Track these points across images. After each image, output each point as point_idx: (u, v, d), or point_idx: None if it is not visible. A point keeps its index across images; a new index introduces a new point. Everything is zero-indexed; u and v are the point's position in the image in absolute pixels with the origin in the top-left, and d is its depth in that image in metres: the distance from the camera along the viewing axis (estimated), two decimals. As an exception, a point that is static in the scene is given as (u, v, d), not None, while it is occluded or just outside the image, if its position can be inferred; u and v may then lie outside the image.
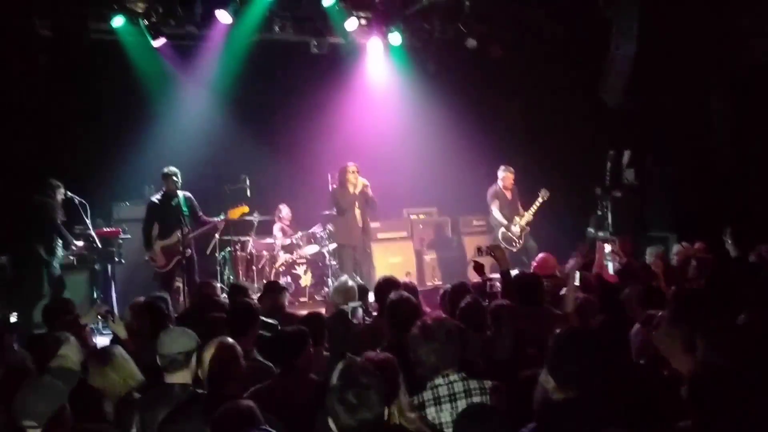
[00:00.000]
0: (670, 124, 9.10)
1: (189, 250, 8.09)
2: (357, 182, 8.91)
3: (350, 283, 5.93)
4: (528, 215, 9.64)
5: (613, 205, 9.14)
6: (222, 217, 8.52)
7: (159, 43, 8.91)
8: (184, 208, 8.08)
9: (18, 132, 8.54)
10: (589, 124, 9.70)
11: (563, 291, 5.75)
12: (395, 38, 9.94)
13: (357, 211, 9.02)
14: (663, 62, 8.26)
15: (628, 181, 9.33)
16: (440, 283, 9.79)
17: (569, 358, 2.81)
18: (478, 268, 5.68)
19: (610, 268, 8.37)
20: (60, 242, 7.91)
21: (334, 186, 9.10)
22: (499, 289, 6.31)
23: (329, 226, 9.55)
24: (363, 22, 9.62)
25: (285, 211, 9.87)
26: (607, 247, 8.46)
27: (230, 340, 3.58)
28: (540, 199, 9.54)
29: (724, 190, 8.64)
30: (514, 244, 9.54)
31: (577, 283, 5.83)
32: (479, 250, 5.57)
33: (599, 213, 9.36)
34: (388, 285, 5.25)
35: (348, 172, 8.92)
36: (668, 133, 9.21)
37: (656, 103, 8.89)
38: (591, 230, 9.43)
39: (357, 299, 5.78)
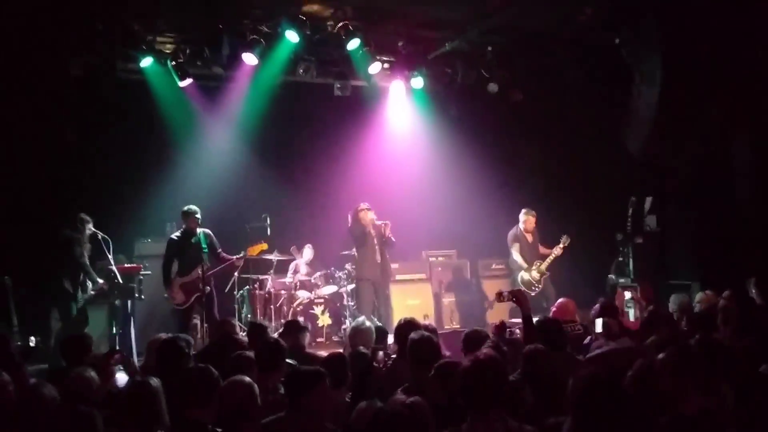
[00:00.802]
0: (693, 171, 9.06)
1: (208, 288, 8.11)
2: (370, 220, 9.05)
3: (368, 324, 5.91)
4: (548, 260, 9.61)
5: (634, 252, 9.08)
6: (241, 254, 8.57)
7: (186, 83, 9.07)
8: (204, 246, 8.12)
9: (45, 166, 8.70)
10: (610, 170, 9.69)
11: (587, 340, 5.69)
12: (417, 82, 10.06)
13: (376, 248, 9.11)
14: (686, 109, 8.26)
15: (650, 227, 9.27)
16: (458, 326, 9.71)
17: (595, 404, 2.76)
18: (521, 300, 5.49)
19: (631, 315, 8.28)
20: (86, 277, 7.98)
21: (350, 225, 9.20)
22: (517, 335, 6.25)
23: (347, 266, 9.60)
24: (386, 66, 9.75)
25: (308, 250, 9.92)
26: (628, 294, 8.38)
27: (247, 378, 3.54)
28: (561, 245, 9.55)
29: (747, 238, 8.55)
30: (533, 288, 9.49)
31: (599, 329, 5.76)
32: (500, 295, 5.50)
33: (620, 259, 9.31)
34: (409, 326, 5.21)
35: (360, 210, 9.09)
36: (691, 180, 9.16)
37: (679, 149, 8.87)
38: (612, 276, 9.36)
39: (375, 341, 5.74)
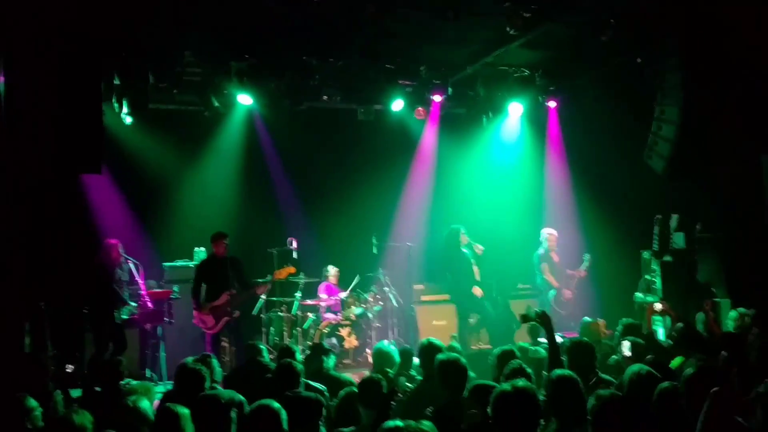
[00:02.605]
0: (720, 189, 8.99)
1: (237, 312, 8.23)
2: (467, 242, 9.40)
3: (390, 347, 5.98)
4: (575, 280, 9.83)
5: (662, 270, 9.02)
6: (269, 278, 8.71)
7: (212, 113, 9.25)
8: (232, 271, 8.26)
9: (76, 194, 8.95)
10: (636, 189, 9.66)
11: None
12: (440, 104, 10.13)
13: (475, 269, 9.37)
14: (709, 127, 8.22)
15: (677, 246, 9.19)
16: (485, 346, 9.71)
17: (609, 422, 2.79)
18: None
19: (660, 333, 8.21)
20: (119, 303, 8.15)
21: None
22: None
23: (373, 287, 9.74)
24: (408, 90, 9.85)
25: (332, 271, 10.03)
26: (658, 306, 8.33)
27: (276, 404, 3.57)
28: (585, 263, 9.74)
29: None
30: (564, 308, 9.57)
31: (627, 353, 5.72)
32: (525, 317, 5.52)
33: (648, 278, 9.25)
34: (432, 349, 5.26)
35: (460, 234, 9.39)
36: (718, 197, 9.09)
37: (703, 167, 8.82)
38: (639, 295, 9.30)
39: (400, 363, 5.79)
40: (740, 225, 8.91)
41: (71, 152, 6.26)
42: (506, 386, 3.37)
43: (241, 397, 3.99)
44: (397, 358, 5.78)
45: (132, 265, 8.36)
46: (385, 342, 6.33)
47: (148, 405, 4.09)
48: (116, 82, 8.05)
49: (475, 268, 9.40)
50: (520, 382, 3.42)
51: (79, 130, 6.25)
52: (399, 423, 3.28)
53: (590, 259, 9.82)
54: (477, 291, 9.37)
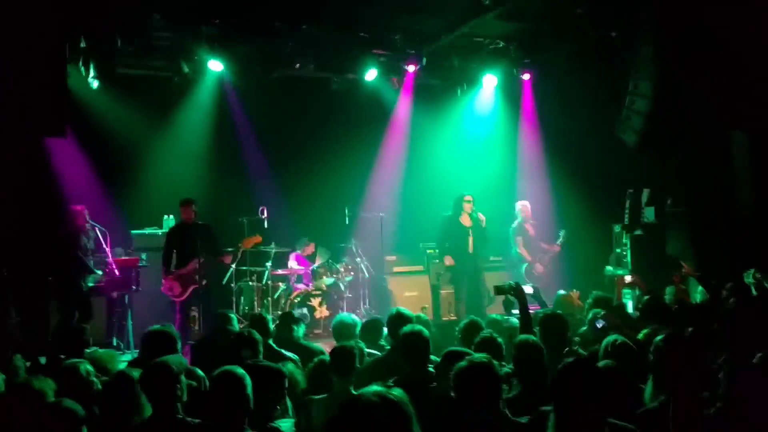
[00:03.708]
0: (690, 164, 9.06)
1: (205, 281, 8.14)
2: (470, 211, 9.07)
3: (350, 319, 5.94)
4: (549, 255, 9.92)
5: (632, 244, 9.10)
6: (239, 246, 8.63)
7: (183, 78, 9.09)
8: (202, 239, 8.14)
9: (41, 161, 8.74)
10: (607, 163, 9.71)
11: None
12: (414, 75, 10.03)
13: (470, 239, 9.08)
14: (681, 101, 8.26)
15: (648, 220, 9.27)
16: (455, 317, 9.75)
17: (572, 390, 2.79)
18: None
19: (630, 306, 8.31)
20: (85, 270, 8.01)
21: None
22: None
23: (345, 258, 9.72)
24: (383, 59, 9.73)
25: (306, 243, 9.96)
26: (628, 278, 8.44)
27: (240, 370, 3.52)
28: (560, 239, 9.89)
29: (745, 229, 8.55)
30: (536, 281, 9.60)
31: (599, 325, 5.75)
32: (499, 289, 5.52)
33: (618, 251, 9.34)
34: (400, 319, 5.25)
35: (464, 201, 9.09)
36: (688, 172, 9.17)
37: (675, 141, 8.88)
38: (610, 268, 9.39)
39: (356, 335, 5.73)
40: (710, 200, 9.02)
41: (34, 115, 6.08)
42: (463, 362, 3.38)
43: (185, 361, 3.95)
44: (356, 330, 5.73)
45: (98, 232, 8.20)
46: (345, 313, 6.28)
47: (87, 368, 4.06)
48: (82, 44, 7.82)
49: (470, 239, 9.11)
50: (476, 356, 3.43)
51: (42, 92, 6.06)
52: (370, 388, 3.25)
53: (565, 234, 9.87)
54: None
